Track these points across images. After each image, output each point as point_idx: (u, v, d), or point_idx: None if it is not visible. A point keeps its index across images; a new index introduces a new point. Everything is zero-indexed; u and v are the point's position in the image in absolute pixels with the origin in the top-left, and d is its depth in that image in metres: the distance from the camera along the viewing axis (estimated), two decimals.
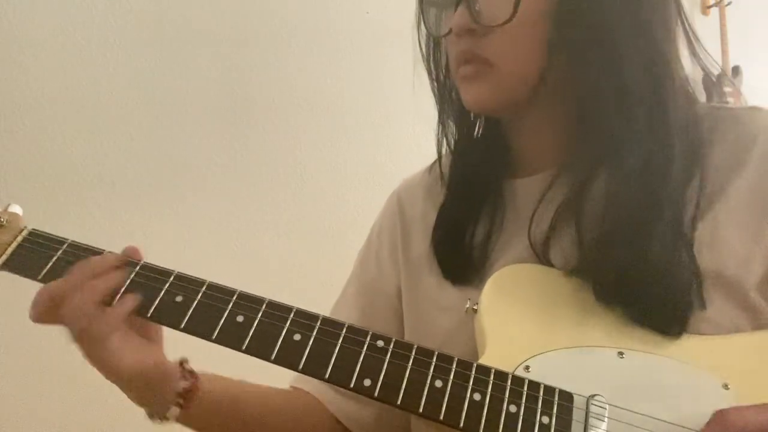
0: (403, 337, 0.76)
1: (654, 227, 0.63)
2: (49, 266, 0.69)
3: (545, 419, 0.59)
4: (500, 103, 0.70)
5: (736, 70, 2.26)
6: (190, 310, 0.65)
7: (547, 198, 0.70)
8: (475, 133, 0.79)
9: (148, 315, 0.66)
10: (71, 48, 1.38)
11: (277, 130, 1.56)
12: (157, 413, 0.68)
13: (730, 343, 0.62)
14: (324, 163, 1.60)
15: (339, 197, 1.62)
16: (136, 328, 0.66)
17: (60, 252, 0.69)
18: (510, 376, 0.61)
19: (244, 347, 0.64)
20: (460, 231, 0.76)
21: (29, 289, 0.65)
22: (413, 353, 0.63)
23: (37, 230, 0.72)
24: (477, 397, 0.60)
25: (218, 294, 0.66)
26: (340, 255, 1.56)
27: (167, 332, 0.68)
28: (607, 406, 0.59)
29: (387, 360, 0.62)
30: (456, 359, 0.62)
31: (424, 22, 0.75)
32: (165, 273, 0.68)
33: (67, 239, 0.71)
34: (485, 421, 0.59)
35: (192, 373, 0.69)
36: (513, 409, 0.59)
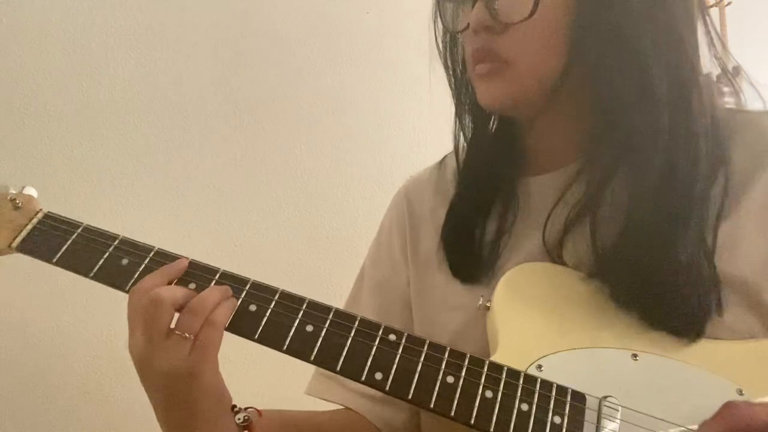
0: None
1: (678, 231, 0.62)
2: (64, 249, 0.69)
3: (557, 419, 0.58)
4: (516, 101, 0.68)
5: (736, 70, 2.24)
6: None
7: (562, 197, 0.69)
8: (491, 127, 0.78)
9: None
10: (71, 48, 1.38)
11: (277, 129, 1.56)
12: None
13: (744, 348, 0.62)
14: (324, 163, 1.60)
15: (339, 197, 1.61)
16: None
17: (75, 235, 0.69)
18: (522, 374, 0.61)
19: (256, 337, 0.64)
20: (470, 229, 0.75)
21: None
22: (425, 348, 0.62)
23: (53, 213, 0.72)
24: (489, 394, 0.60)
25: (231, 283, 0.66)
26: (341, 254, 1.57)
27: None
28: (619, 408, 0.59)
29: (399, 354, 0.62)
30: (468, 356, 0.62)
31: (441, 18, 0.74)
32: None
33: (82, 223, 0.71)
34: (496, 418, 0.59)
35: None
36: (525, 407, 0.59)
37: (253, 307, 0.65)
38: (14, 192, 0.73)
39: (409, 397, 0.60)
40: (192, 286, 0.66)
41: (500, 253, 0.73)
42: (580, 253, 0.67)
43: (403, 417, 0.78)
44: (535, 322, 0.65)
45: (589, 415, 0.59)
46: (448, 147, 0.82)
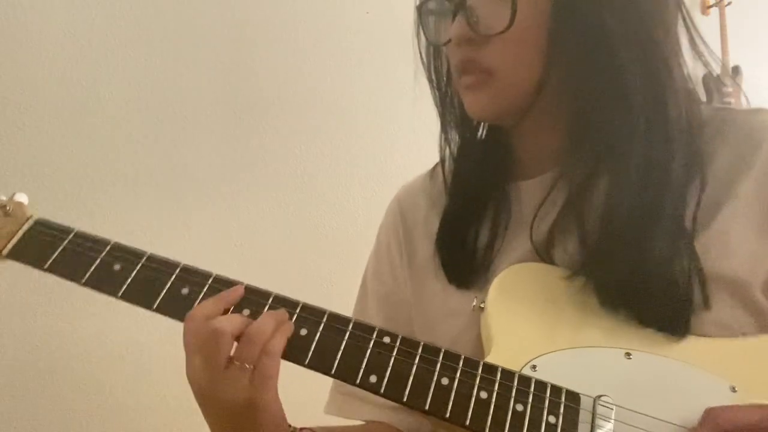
0: None
1: (653, 228, 0.63)
2: (55, 256, 0.68)
3: (552, 419, 0.59)
4: (502, 110, 0.70)
5: (736, 70, 2.25)
6: (195, 303, 0.65)
7: (549, 200, 0.70)
8: (479, 135, 0.79)
9: None
10: (71, 48, 1.38)
11: (277, 129, 1.56)
12: None
13: (737, 345, 0.62)
14: (324, 163, 1.60)
15: (339, 197, 1.62)
16: None
17: (66, 242, 0.69)
18: (517, 375, 0.61)
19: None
20: (463, 235, 0.76)
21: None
22: (419, 351, 0.63)
23: (43, 219, 0.72)
24: (483, 395, 0.60)
25: (220, 287, 0.66)
26: (340, 254, 1.57)
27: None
28: (613, 407, 0.59)
29: (393, 357, 0.62)
30: (463, 357, 0.62)
31: (424, 31, 0.74)
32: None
33: (74, 229, 0.70)
34: (491, 419, 0.59)
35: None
36: (519, 408, 0.59)
37: (246, 312, 0.65)
38: (4, 199, 0.73)
39: (404, 399, 0.61)
40: (246, 312, 0.65)
41: (493, 257, 0.74)
42: (570, 254, 0.68)
43: (428, 423, 0.78)
44: (528, 323, 0.66)
45: (584, 415, 0.59)
46: None
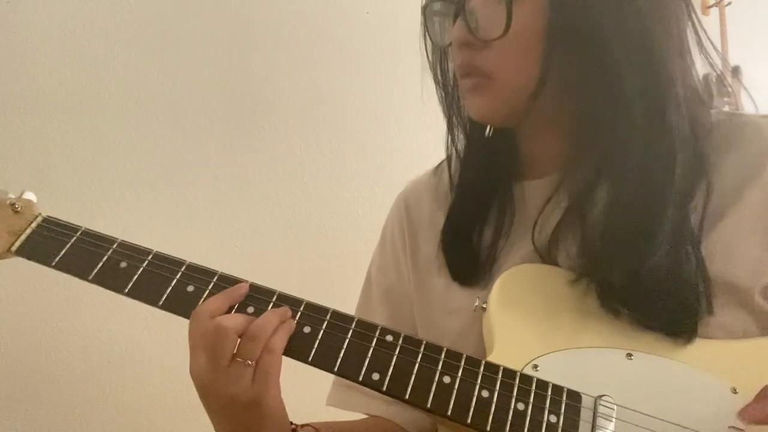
0: None
1: (655, 231, 0.63)
2: (62, 253, 0.69)
3: (553, 418, 0.59)
4: (501, 113, 0.70)
5: (736, 70, 2.24)
6: (200, 301, 0.66)
7: (553, 201, 0.70)
8: (485, 134, 0.79)
9: None
10: (71, 48, 1.38)
11: (277, 129, 1.56)
12: None
13: (738, 347, 0.62)
14: (324, 163, 1.60)
15: (339, 197, 1.62)
16: None
17: (74, 239, 0.70)
18: (518, 374, 0.61)
19: None
20: (468, 233, 0.76)
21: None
22: (422, 349, 0.63)
23: (51, 217, 0.72)
24: (485, 394, 0.60)
25: (225, 285, 0.67)
26: (341, 254, 1.57)
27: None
28: (615, 407, 0.59)
29: (396, 355, 0.63)
30: (465, 356, 0.62)
31: (428, 33, 0.75)
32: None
33: (81, 227, 0.71)
34: (493, 418, 0.59)
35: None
36: (521, 407, 0.59)
37: (250, 309, 0.66)
38: (13, 197, 0.74)
39: (407, 397, 0.61)
40: (250, 309, 0.66)
41: (497, 256, 0.74)
42: (572, 256, 0.68)
43: (429, 419, 0.78)
44: (530, 323, 0.66)
45: (585, 414, 0.59)
46: None
